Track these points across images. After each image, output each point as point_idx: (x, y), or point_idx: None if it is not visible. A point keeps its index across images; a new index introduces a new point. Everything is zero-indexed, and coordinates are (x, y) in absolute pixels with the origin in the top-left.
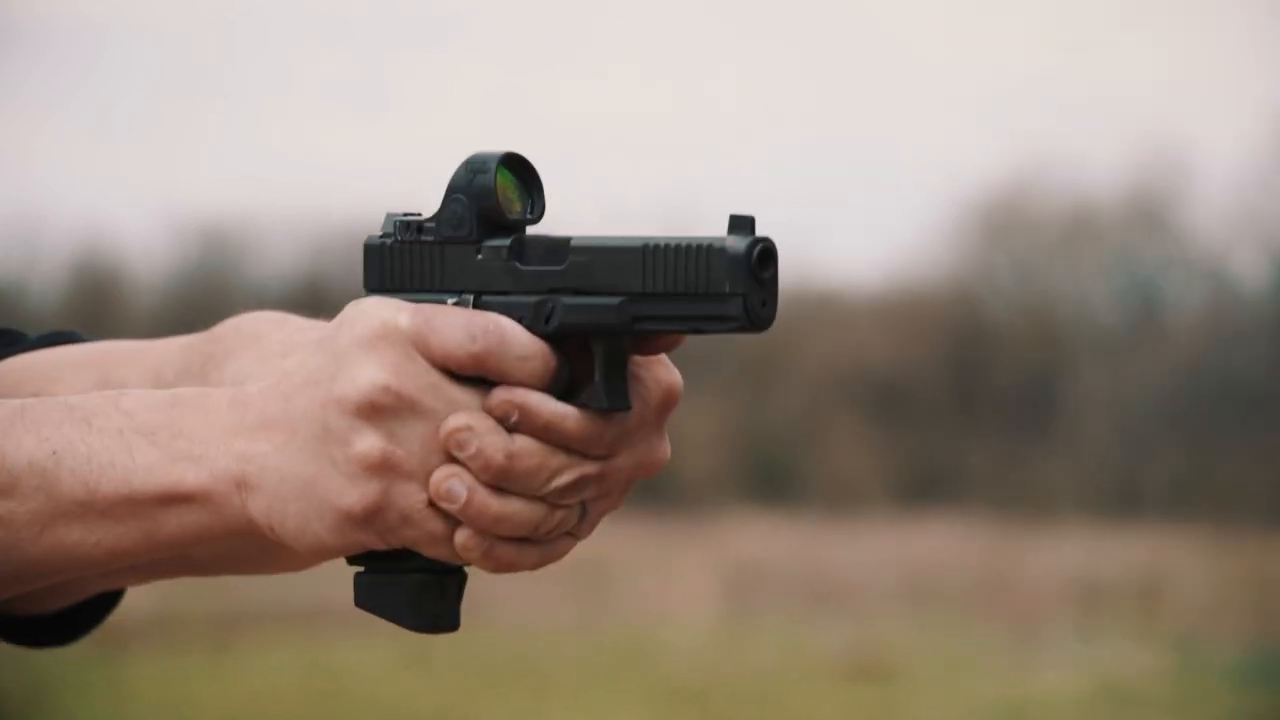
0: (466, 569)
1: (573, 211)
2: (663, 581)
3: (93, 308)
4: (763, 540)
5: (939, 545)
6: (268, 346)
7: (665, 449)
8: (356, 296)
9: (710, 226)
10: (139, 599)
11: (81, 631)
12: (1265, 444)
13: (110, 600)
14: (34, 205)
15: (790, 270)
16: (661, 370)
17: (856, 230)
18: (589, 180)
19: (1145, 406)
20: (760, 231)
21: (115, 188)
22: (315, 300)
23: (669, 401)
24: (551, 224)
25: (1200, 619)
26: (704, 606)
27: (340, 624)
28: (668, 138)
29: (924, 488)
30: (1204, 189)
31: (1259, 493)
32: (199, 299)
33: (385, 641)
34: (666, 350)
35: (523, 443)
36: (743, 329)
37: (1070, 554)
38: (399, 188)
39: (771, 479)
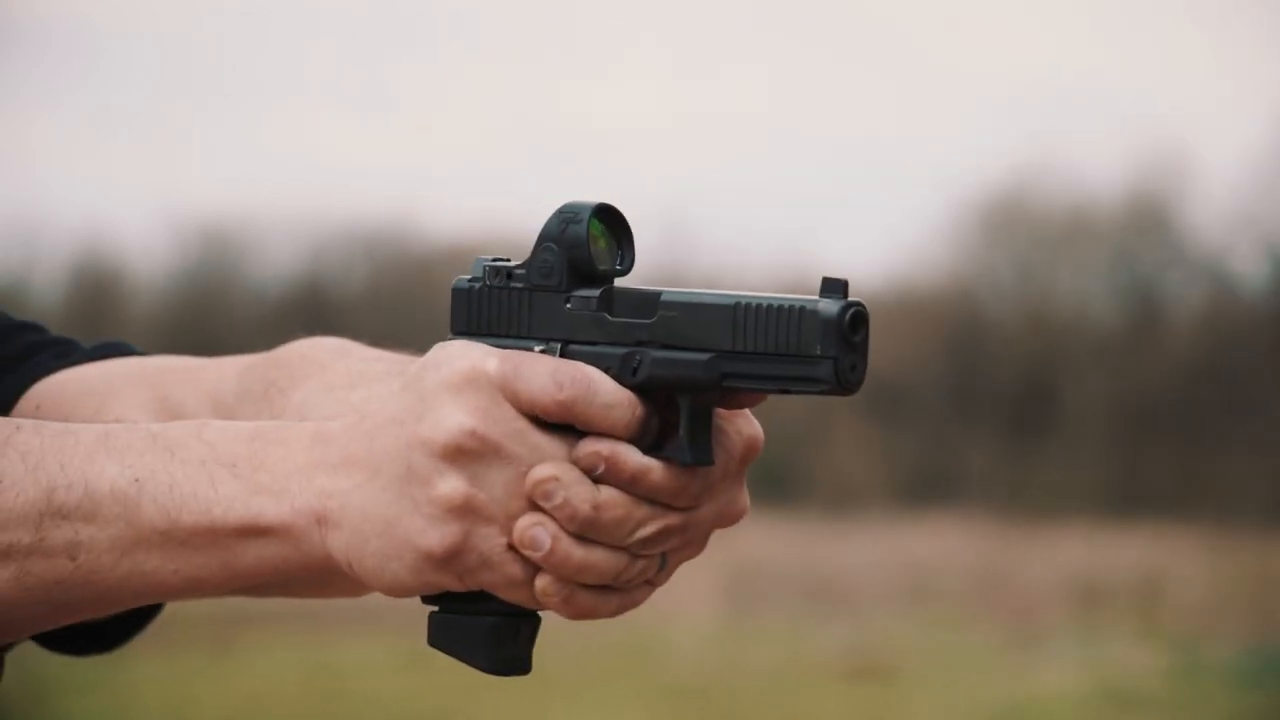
0: (540, 612)
1: None
2: None
3: (93, 308)
4: (763, 540)
5: (939, 545)
6: (333, 377)
7: (745, 500)
8: (354, 297)
9: (710, 226)
10: None
11: (126, 637)
12: (1265, 444)
13: (154, 608)
14: (34, 205)
15: (789, 269)
16: (744, 423)
17: (856, 230)
18: (589, 181)
19: (1145, 406)
20: (840, 278)
21: (115, 188)
22: (314, 300)
23: (750, 454)
24: None
25: (1200, 619)
26: (705, 606)
27: (340, 624)
28: (668, 138)
29: (924, 488)
30: (1204, 189)
31: (1259, 493)
32: (199, 299)
33: (385, 641)
34: (750, 406)
35: (608, 494)
36: (831, 392)
37: (1070, 554)
38: (399, 188)
39: (772, 479)
